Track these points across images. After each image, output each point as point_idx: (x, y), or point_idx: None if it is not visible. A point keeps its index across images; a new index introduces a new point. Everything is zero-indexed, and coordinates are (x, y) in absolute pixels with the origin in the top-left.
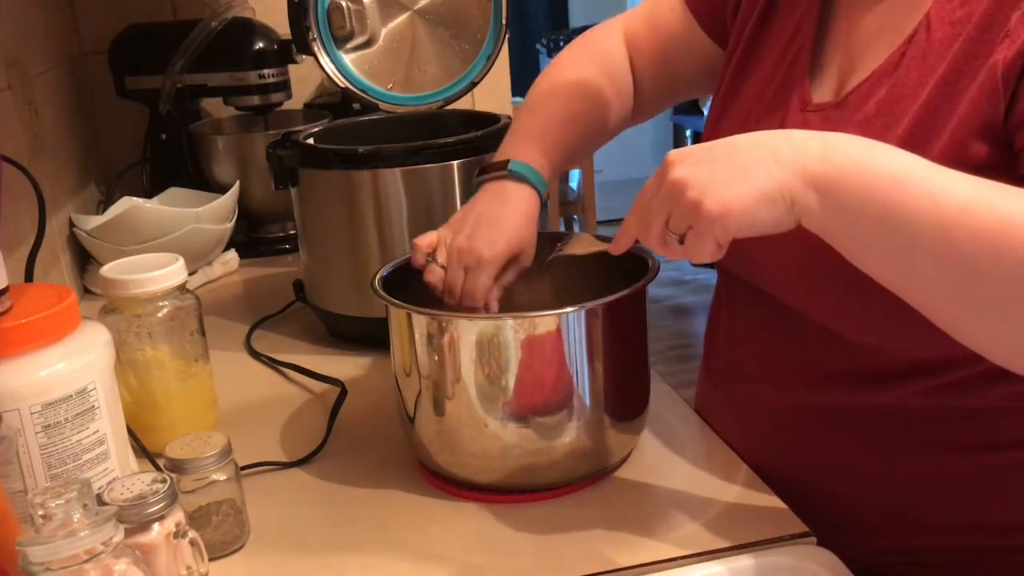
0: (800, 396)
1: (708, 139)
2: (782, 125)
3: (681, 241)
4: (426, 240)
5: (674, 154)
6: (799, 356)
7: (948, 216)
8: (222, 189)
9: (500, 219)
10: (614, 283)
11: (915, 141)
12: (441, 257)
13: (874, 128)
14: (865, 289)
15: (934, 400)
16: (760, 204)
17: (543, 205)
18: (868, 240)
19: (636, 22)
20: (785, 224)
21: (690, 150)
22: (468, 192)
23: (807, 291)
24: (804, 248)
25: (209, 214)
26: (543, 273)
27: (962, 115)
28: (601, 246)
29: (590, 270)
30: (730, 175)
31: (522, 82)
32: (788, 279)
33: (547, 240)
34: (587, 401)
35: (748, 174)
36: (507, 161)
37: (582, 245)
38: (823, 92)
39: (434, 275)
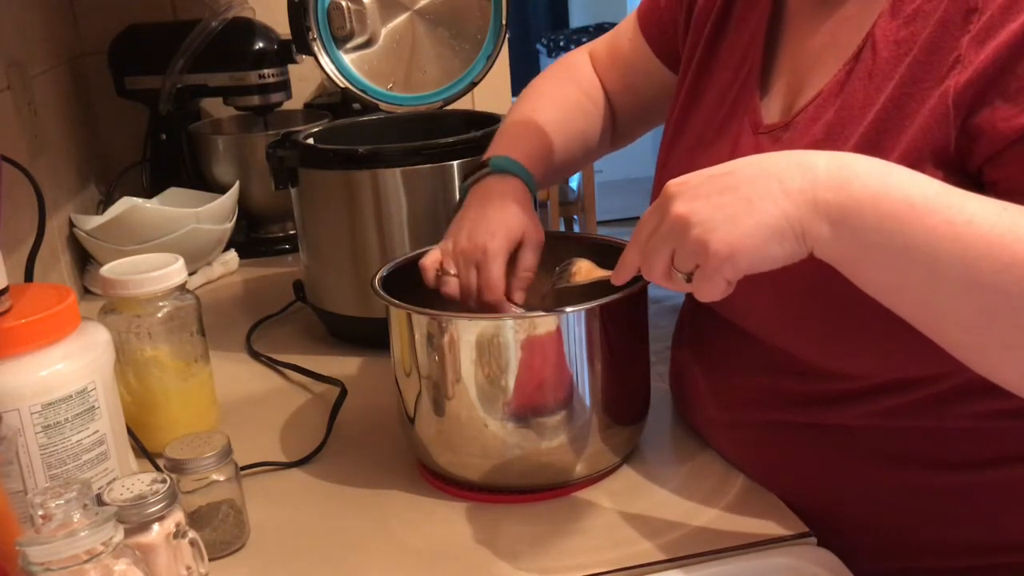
0: (760, 415)
1: (662, 164)
2: (734, 147)
3: (688, 279)
4: (431, 258)
5: (673, 185)
6: (758, 379)
7: (972, 247)
8: (222, 189)
9: (490, 211)
10: None
11: None
12: (450, 267)
13: (823, 150)
14: (831, 318)
15: (897, 420)
16: (770, 241)
17: (534, 196)
18: (884, 272)
19: (600, 49)
20: (798, 256)
21: (690, 180)
22: (459, 202)
23: (772, 320)
24: (769, 279)
25: (209, 214)
26: (542, 300)
27: (911, 139)
28: (602, 274)
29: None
30: (735, 210)
31: (522, 82)
32: (753, 309)
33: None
34: (587, 401)
35: (754, 208)
36: (487, 160)
37: (582, 273)
38: (772, 112)
39: (450, 286)
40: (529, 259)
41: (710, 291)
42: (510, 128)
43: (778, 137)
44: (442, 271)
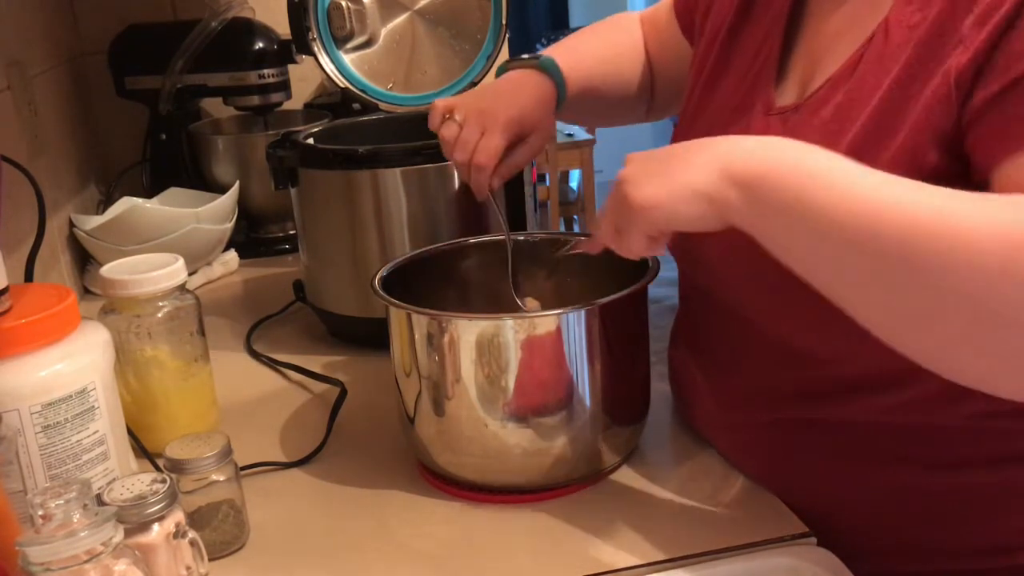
0: (759, 412)
1: None
2: (747, 129)
3: None
4: (444, 103)
5: (631, 155)
6: (757, 374)
7: (863, 215)
8: (222, 189)
9: (518, 94)
10: (614, 283)
11: (867, 145)
12: (458, 116)
13: (829, 132)
14: (819, 300)
15: (896, 417)
16: (680, 200)
17: (557, 104)
18: (786, 236)
19: (646, 17)
20: (709, 219)
21: (645, 152)
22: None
23: (763, 301)
24: (745, 245)
25: (209, 214)
26: (547, 279)
27: (915, 121)
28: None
29: (590, 270)
30: (659, 172)
31: None
32: (734, 279)
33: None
34: (587, 401)
35: (674, 171)
36: (538, 55)
37: (583, 245)
38: (787, 95)
39: (450, 130)
40: (523, 155)
41: (629, 243)
42: (563, 44)
43: (788, 119)
44: (450, 116)
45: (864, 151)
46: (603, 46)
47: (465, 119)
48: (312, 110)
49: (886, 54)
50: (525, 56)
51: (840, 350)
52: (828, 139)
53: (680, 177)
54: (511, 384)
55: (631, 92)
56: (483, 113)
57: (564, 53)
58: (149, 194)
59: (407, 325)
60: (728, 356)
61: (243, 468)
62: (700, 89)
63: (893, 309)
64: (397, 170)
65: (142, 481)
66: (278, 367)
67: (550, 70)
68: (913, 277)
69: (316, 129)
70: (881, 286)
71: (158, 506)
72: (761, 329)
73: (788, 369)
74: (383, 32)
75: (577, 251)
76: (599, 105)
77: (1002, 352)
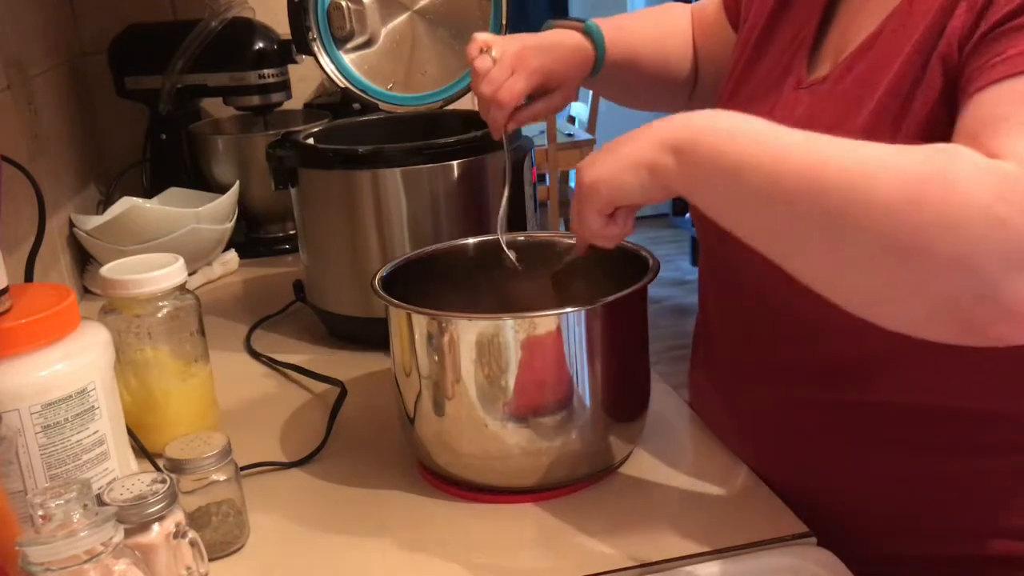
0: (777, 392)
1: None
2: (776, 103)
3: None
4: (484, 37)
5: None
6: (770, 351)
7: (772, 161)
8: (222, 189)
9: (555, 48)
10: (614, 283)
11: (889, 112)
12: (494, 51)
13: (849, 100)
14: None
15: (902, 397)
16: (622, 171)
17: (593, 74)
18: (713, 194)
19: (696, 9)
20: (650, 188)
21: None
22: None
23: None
24: None
25: (209, 214)
26: (547, 279)
27: (931, 85)
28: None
29: (590, 270)
30: (608, 152)
31: None
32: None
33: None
34: (587, 401)
35: (620, 149)
36: (584, 19)
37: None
38: (819, 71)
39: (484, 63)
40: (541, 107)
41: (585, 221)
42: (611, 19)
43: (814, 91)
44: (487, 50)
45: (885, 118)
46: (650, 26)
47: (500, 57)
48: (312, 110)
49: (909, 22)
50: (572, 18)
51: (855, 323)
52: (849, 107)
53: (623, 152)
54: (511, 384)
55: (674, 76)
56: (517, 56)
57: (610, 24)
58: (149, 194)
59: (407, 325)
60: (741, 336)
61: (243, 468)
62: (739, 71)
63: (806, 247)
64: (397, 170)
65: (142, 481)
66: (278, 367)
67: (593, 34)
68: (822, 213)
69: (316, 129)
70: (794, 225)
71: (158, 506)
72: (776, 305)
73: (800, 345)
74: (383, 32)
75: (569, 258)
76: (639, 82)
77: (907, 282)
